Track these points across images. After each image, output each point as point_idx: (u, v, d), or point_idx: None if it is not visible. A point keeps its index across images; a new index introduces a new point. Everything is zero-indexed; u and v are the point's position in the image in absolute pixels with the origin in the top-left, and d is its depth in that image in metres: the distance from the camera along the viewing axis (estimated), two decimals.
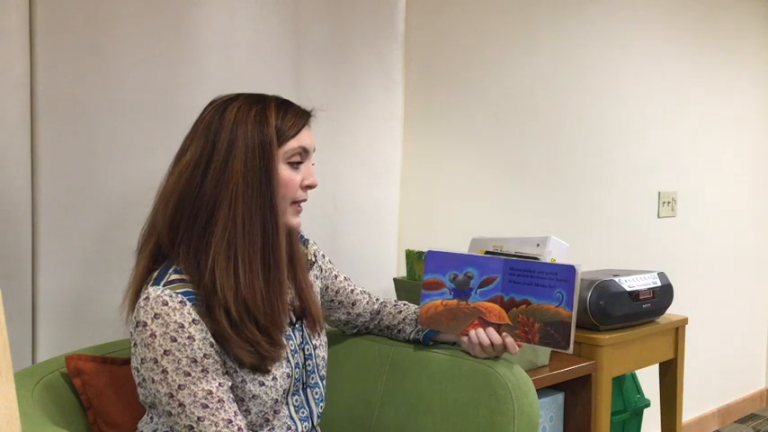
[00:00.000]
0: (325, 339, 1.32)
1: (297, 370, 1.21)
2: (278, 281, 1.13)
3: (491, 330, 1.31)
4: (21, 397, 1.07)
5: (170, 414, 1.05)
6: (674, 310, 2.12)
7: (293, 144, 1.15)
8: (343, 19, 1.82)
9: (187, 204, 1.11)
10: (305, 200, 1.20)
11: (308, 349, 1.26)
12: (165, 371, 1.04)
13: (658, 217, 2.98)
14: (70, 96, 1.38)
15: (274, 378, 1.14)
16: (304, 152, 1.17)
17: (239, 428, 1.06)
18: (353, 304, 1.46)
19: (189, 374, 1.04)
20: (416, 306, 1.46)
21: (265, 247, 1.11)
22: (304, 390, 1.25)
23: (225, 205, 1.10)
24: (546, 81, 2.44)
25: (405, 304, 1.50)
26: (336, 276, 1.43)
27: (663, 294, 2.02)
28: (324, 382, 1.29)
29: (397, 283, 1.88)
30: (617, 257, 2.73)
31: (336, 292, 1.43)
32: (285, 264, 1.15)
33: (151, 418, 1.17)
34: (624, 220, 2.82)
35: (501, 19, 2.28)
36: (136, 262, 1.17)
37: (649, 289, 1.97)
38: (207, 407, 1.04)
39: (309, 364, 1.26)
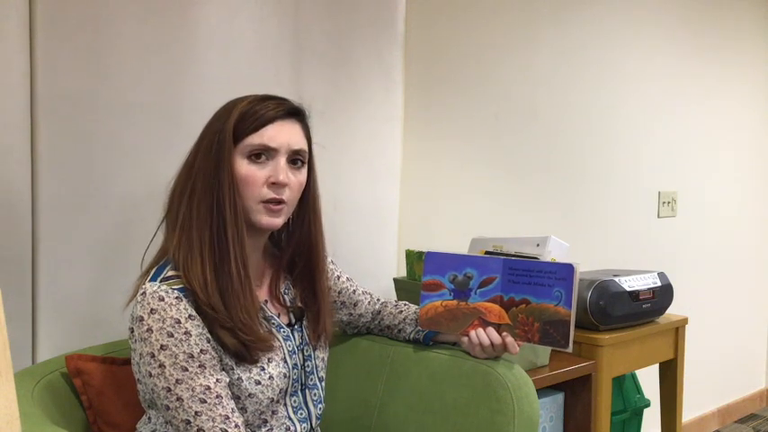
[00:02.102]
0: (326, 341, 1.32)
1: (295, 371, 1.21)
2: (228, 273, 1.10)
3: (491, 330, 1.31)
4: (21, 397, 1.07)
5: (168, 408, 1.05)
6: (674, 310, 2.12)
7: (253, 140, 1.13)
8: (343, 19, 1.82)
9: (171, 203, 1.16)
10: (276, 199, 1.14)
11: (307, 350, 1.26)
12: (162, 365, 1.04)
13: (658, 217, 2.98)
14: (70, 97, 1.38)
15: (271, 377, 1.14)
16: (268, 149, 1.14)
17: (236, 425, 1.06)
18: (355, 305, 1.46)
19: (186, 369, 1.05)
20: (417, 306, 1.46)
21: (212, 242, 1.10)
22: (302, 391, 1.24)
23: (185, 200, 1.13)
24: (546, 81, 2.45)
25: (405, 304, 1.50)
26: (339, 277, 1.43)
27: (663, 294, 2.02)
28: (323, 384, 1.29)
29: (397, 283, 1.89)
30: (617, 257, 2.73)
31: (339, 293, 1.43)
32: (239, 260, 1.11)
33: (149, 418, 1.17)
34: (624, 220, 2.82)
35: (501, 19, 2.28)
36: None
37: (649, 289, 1.97)
38: (205, 402, 1.05)
39: (308, 366, 1.26)
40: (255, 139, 1.13)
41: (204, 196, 1.11)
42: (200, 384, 1.05)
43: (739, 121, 3.39)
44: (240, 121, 1.13)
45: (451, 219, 2.18)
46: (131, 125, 1.47)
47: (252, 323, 1.11)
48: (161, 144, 1.49)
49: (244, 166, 1.13)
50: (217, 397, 1.06)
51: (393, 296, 1.90)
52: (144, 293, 1.07)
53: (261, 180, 1.13)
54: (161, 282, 1.08)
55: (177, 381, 1.04)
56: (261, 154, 1.13)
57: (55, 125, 1.37)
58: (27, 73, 1.34)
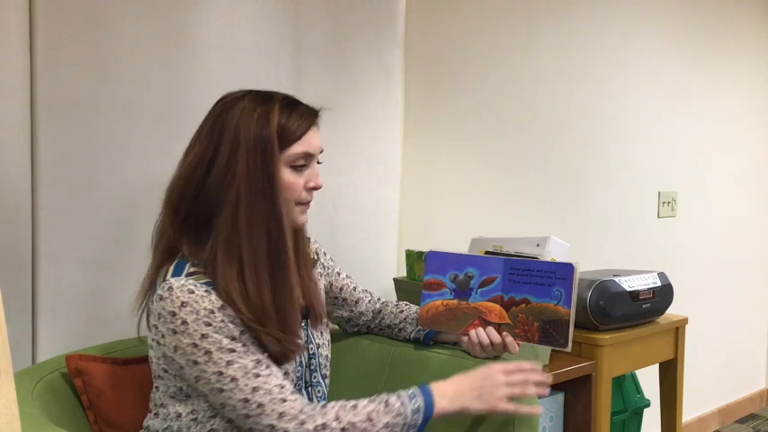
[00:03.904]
0: (329, 338, 1.32)
1: (299, 368, 1.22)
2: (287, 285, 1.12)
3: (491, 330, 1.31)
4: (21, 397, 1.07)
5: (221, 390, 1.05)
6: (674, 310, 2.12)
7: (297, 149, 1.14)
8: (344, 19, 1.82)
9: (188, 204, 1.12)
10: (310, 201, 1.19)
11: (311, 348, 1.26)
12: (208, 352, 1.05)
13: (658, 217, 2.98)
14: (70, 96, 1.38)
15: (286, 373, 1.16)
16: (308, 156, 1.16)
17: (291, 391, 1.08)
18: (356, 302, 1.46)
19: (233, 350, 1.06)
20: (417, 307, 1.46)
21: (270, 253, 1.11)
22: (306, 388, 1.25)
23: (227, 209, 1.10)
24: (546, 81, 2.45)
25: (406, 304, 1.50)
26: (339, 273, 1.44)
27: (663, 294, 2.02)
28: (326, 381, 1.29)
29: (397, 283, 1.89)
30: (617, 257, 2.73)
31: (340, 290, 1.44)
32: (293, 266, 1.14)
33: (156, 414, 1.17)
34: (624, 220, 2.82)
35: (501, 19, 2.28)
36: (152, 259, 1.17)
37: (649, 289, 1.97)
38: (259, 375, 1.06)
39: (312, 363, 1.26)
40: (299, 148, 1.14)
41: (254, 209, 1.10)
42: (251, 360, 1.06)
43: (740, 120, 3.39)
44: (283, 130, 1.13)
45: (451, 219, 2.18)
46: (131, 125, 1.47)
47: (297, 333, 1.14)
48: (161, 144, 1.49)
49: (288, 175, 1.14)
50: (267, 368, 1.08)
51: (393, 296, 1.90)
52: (171, 288, 1.06)
53: (301, 186, 1.16)
54: (186, 276, 1.08)
55: (228, 362, 1.05)
56: (303, 161, 1.16)
57: (55, 125, 1.37)
58: (27, 73, 1.34)
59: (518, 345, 1.31)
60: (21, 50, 1.33)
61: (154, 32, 1.48)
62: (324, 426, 1.06)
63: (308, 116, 1.17)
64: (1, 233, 1.33)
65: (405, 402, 1.11)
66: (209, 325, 1.05)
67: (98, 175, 1.43)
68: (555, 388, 1.80)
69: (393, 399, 1.12)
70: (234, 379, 1.05)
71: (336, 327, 1.52)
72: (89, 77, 1.40)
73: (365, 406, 1.10)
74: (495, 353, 1.32)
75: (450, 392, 1.16)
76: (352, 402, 1.11)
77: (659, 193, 2.97)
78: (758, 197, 3.57)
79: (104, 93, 1.43)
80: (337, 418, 1.07)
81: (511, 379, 1.19)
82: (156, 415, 1.17)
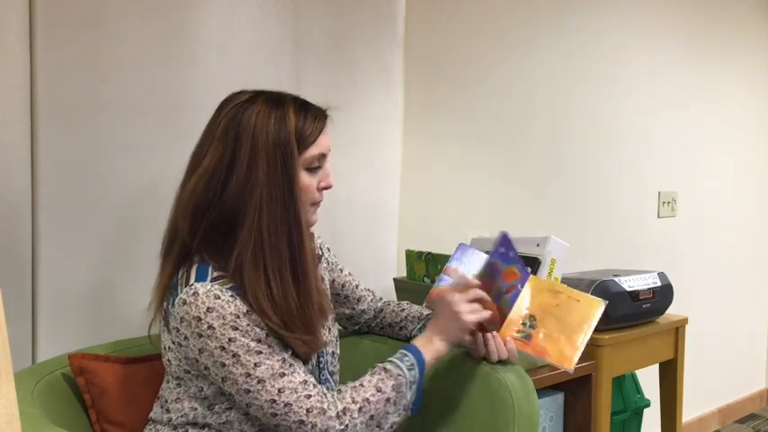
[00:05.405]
0: (336, 334, 1.32)
1: (307, 366, 1.22)
2: (309, 287, 1.13)
3: (499, 341, 1.31)
4: (21, 397, 1.07)
5: (248, 391, 1.07)
6: (674, 310, 2.12)
7: (313, 151, 1.15)
8: (344, 19, 1.82)
9: (207, 211, 1.11)
10: (321, 200, 1.21)
11: None
12: (236, 354, 1.06)
13: (658, 217, 2.98)
14: (70, 96, 1.38)
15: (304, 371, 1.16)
16: (322, 157, 1.18)
17: (314, 384, 1.10)
18: (359, 300, 1.46)
19: (261, 352, 1.07)
20: (419, 306, 1.47)
21: (293, 257, 1.11)
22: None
23: (249, 216, 1.09)
24: (546, 81, 2.44)
25: (408, 304, 1.50)
26: (342, 270, 1.44)
27: (663, 294, 2.02)
28: (334, 378, 1.30)
29: (397, 283, 1.88)
30: (617, 257, 2.73)
31: (343, 286, 1.44)
32: (312, 268, 1.15)
33: (167, 410, 1.17)
34: (624, 219, 2.82)
35: (501, 19, 2.28)
36: (162, 266, 1.17)
37: (649, 289, 1.96)
38: (284, 375, 1.08)
39: (321, 362, 1.26)
40: (315, 150, 1.16)
41: (276, 214, 1.10)
42: (277, 360, 1.08)
43: (740, 120, 3.39)
44: (300, 134, 1.13)
45: (451, 219, 2.18)
46: (131, 125, 1.47)
47: (320, 334, 1.17)
48: (161, 144, 1.50)
49: (305, 178, 1.16)
50: (291, 366, 1.09)
51: (393, 296, 1.90)
52: (196, 293, 1.07)
53: (315, 186, 1.18)
54: (211, 282, 1.08)
55: (255, 364, 1.06)
56: (318, 163, 1.17)
57: (55, 124, 1.37)
58: (27, 73, 1.34)
59: (517, 349, 1.31)
60: (21, 50, 1.33)
61: (154, 32, 1.48)
62: (344, 410, 1.10)
63: (321, 118, 1.18)
64: (1, 233, 1.33)
65: (399, 364, 1.17)
66: (236, 329, 1.06)
67: (98, 175, 1.43)
68: (555, 388, 1.80)
69: (389, 365, 1.17)
70: (261, 381, 1.06)
71: (337, 325, 1.52)
72: (89, 77, 1.40)
73: (369, 380, 1.15)
74: (501, 357, 1.32)
75: (432, 338, 1.23)
76: (357, 382, 1.16)
77: (659, 193, 2.97)
78: (758, 197, 3.57)
79: (104, 92, 1.43)
80: (353, 400, 1.12)
81: (470, 307, 1.24)
82: (168, 411, 1.16)
